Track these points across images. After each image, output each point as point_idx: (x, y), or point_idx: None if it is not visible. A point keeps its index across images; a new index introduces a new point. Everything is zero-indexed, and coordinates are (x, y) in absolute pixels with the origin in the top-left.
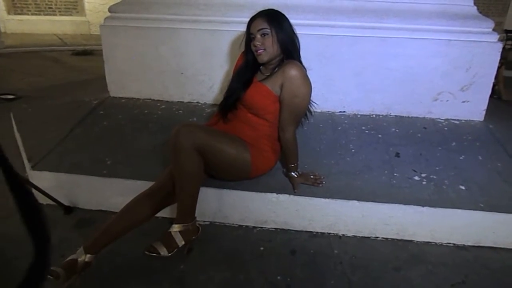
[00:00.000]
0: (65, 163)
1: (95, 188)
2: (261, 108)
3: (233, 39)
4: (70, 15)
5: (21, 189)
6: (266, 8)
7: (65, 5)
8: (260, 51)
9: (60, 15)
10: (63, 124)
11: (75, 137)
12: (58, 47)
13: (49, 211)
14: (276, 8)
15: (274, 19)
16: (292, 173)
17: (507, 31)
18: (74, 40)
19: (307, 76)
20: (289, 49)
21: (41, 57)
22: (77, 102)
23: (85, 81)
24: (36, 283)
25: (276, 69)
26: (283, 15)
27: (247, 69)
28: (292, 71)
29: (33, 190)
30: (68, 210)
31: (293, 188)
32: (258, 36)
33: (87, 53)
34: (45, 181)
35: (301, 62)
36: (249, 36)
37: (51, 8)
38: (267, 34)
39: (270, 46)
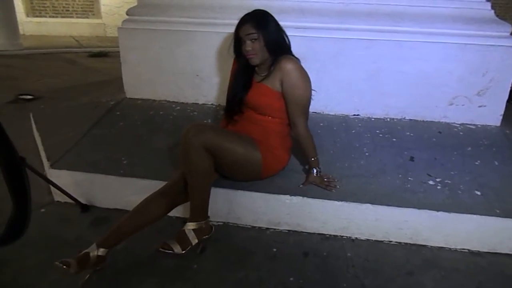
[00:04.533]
0: (83, 162)
1: (111, 187)
2: (266, 107)
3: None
4: (87, 17)
5: (5, 145)
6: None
7: (81, 7)
8: (251, 55)
9: (77, 17)
10: (80, 124)
11: (92, 137)
12: (74, 49)
13: (66, 208)
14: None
15: (261, 23)
16: (313, 169)
17: None
18: (90, 42)
19: (302, 67)
20: (279, 49)
21: (58, 59)
22: (94, 103)
23: (101, 82)
24: (17, 234)
25: (272, 67)
26: (269, 15)
27: (243, 72)
28: (288, 65)
29: (52, 188)
30: (85, 208)
31: (303, 183)
32: (248, 41)
33: (102, 54)
34: (63, 180)
35: (293, 56)
36: (238, 40)
37: (68, 10)
38: (256, 38)
39: (259, 50)
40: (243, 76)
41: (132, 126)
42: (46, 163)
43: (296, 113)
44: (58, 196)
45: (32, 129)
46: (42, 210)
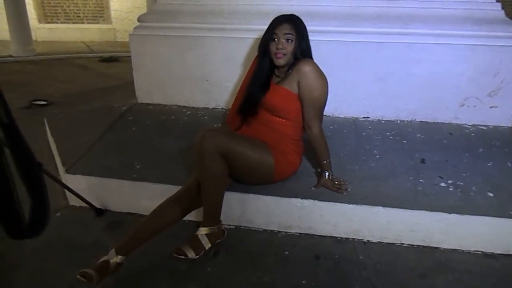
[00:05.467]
0: (97, 167)
1: (125, 191)
2: (283, 109)
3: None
4: (97, 23)
5: (20, 145)
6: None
7: (92, 13)
8: (281, 54)
9: (88, 23)
10: (93, 129)
11: (105, 142)
12: (86, 54)
13: (81, 213)
14: (300, 16)
15: (299, 27)
16: (325, 172)
17: None
18: (100, 47)
19: (320, 69)
20: (304, 56)
21: (70, 64)
22: (107, 108)
23: (113, 87)
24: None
25: (290, 69)
26: (303, 22)
27: (263, 72)
28: (306, 67)
29: (67, 192)
30: (100, 212)
31: (314, 186)
32: (283, 40)
33: (113, 59)
34: (78, 184)
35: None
36: (270, 36)
37: (79, 16)
38: (291, 40)
39: (290, 52)
40: (262, 76)
41: (144, 131)
42: (61, 168)
43: (312, 115)
44: (73, 201)
45: (46, 134)
46: (58, 214)
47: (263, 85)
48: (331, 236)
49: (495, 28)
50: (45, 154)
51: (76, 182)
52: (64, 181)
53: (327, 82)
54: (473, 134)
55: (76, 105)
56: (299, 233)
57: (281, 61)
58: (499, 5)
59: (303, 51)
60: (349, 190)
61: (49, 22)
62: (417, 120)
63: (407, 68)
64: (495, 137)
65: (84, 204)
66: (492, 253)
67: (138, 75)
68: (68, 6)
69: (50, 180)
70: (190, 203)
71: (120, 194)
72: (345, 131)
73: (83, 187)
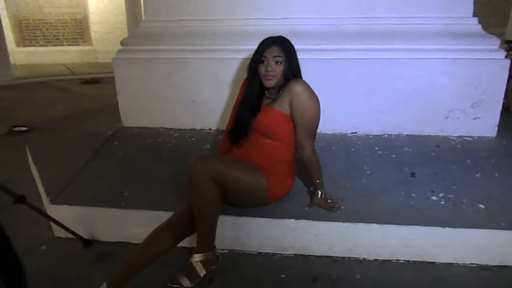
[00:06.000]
0: (83, 195)
1: (113, 220)
2: (275, 131)
3: (243, 67)
4: (77, 44)
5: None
6: (274, 35)
7: (72, 35)
8: (270, 76)
9: (68, 45)
10: (78, 156)
11: (91, 169)
12: (66, 76)
13: (68, 244)
14: (284, 35)
15: (288, 49)
16: (318, 191)
17: (508, 42)
18: (81, 69)
19: (311, 89)
20: (294, 76)
21: (50, 87)
22: (91, 134)
23: (96, 110)
24: None
25: (281, 90)
26: (292, 44)
27: (254, 94)
28: (297, 87)
29: (51, 224)
30: (88, 243)
31: (307, 205)
32: (272, 62)
33: (94, 81)
34: (64, 214)
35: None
36: (259, 59)
37: (59, 39)
38: (281, 62)
39: (280, 74)
40: (252, 98)
41: (131, 156)
42: (45, 198)
43: (304, 135)
44: (58, 232)
45: (28, 162)
46: (43, 247)
47: (254, 107)
48: (326, 256)
49: (473, 41)
50: (27, 184)
51: (62, 212)
52: (48, 212)
53: (319, 102)
54: (459, 146)
55: (58, 131)
56: (294, 254)
57: (271, 82)
58: (475, 19)
59: (293, 72)
60: (343, 208)
61: (27, 46)
62: (404, 133)
63: (391, 83)
64: (480, 148)
65: (70, 235)
66: (487, 265)
67: (123, 98)
68: (47, 29)
69: (33, 212)
70: (183, 230)
71: (109, 223)
72: (333, 147)
73: (69, 217)
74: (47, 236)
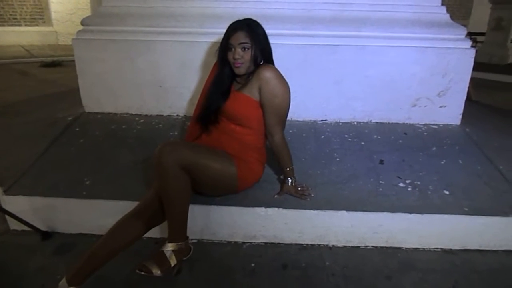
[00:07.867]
0: (41, 185)
1: (74, 211)
2: (244, 117)
3: (212, 50)
4: (36, 25)
5: None
6: (244, 18)
7: (30, 15)
8: (239, 63)
9: (26, 25)
10: (37, 143)
11: (50, 157)
12: (25, 59)
13: (25, 237)
14: (255, 19)
15: (255, 33)
16: (288, 179)
17: (470, 34)
18: (41, 52)
19: (281, 75)
20: (265, 61)
21: (7, 70)
22: (51, 119)
23: (57, 95)
24: None
25: (251, 75)
26: (261, 26)
27: (224, 79)
28: (266, 73)
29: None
30: (46, 235)
31: (277, 193)
32: (239, 49)
33: (56, 64)
34: (20, 206)
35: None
36: (226, 46)
37: (16, 18)
38: (248, 48)
39: (248, 60)
40: (223, 83)
41: (94, 143)
42: None
43: (273, 122)
44: (14, 224)
45: None
46: None
47: (224, 92)
48: (296, 244)
49: (441, 30)
50: None
51: (18, 203)
52: (2, 203)
53: (288, 88)
54: (425, 134)
55: (15, 116)
56: (264, 242)
57: (240, 70)
58: (444, 8)
59: (264, 56)
60: (312, 195)
61: None
62: (373, 121)
63: (362, 71)
64: (446, 135)
65: (27, 228)
66: (451, 249)
67: (84, 82)
68: (3, 8)
69: None
70: (152, 219)
71: (70, 214)
72: (304, 134)
73: (26, 208)
74: (1, 228)
